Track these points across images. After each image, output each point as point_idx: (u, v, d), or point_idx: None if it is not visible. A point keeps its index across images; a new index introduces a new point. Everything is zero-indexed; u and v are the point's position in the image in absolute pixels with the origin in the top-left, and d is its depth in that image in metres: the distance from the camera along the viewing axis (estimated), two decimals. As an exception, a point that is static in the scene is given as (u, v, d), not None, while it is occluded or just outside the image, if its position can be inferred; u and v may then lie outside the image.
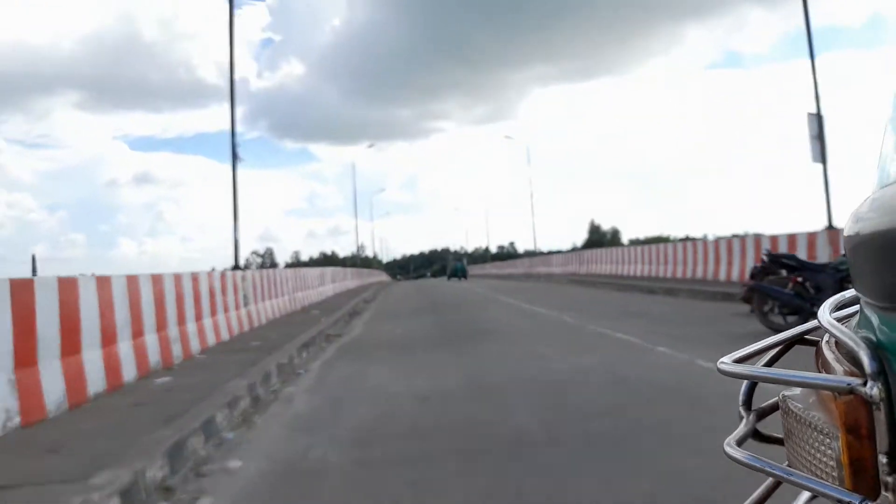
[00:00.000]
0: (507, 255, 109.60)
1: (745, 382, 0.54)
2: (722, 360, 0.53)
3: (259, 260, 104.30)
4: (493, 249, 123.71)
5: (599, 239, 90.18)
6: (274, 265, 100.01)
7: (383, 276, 61.00)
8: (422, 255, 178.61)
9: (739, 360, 0.53)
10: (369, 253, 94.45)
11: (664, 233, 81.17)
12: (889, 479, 0.43)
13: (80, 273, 6.15)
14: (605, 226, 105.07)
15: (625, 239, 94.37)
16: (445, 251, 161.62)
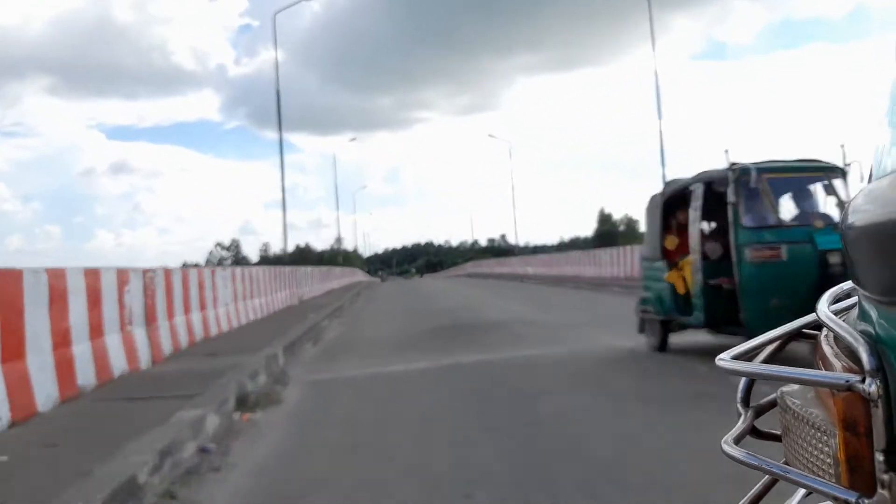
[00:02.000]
0: (498, 249, 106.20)
1: (742, 379, 0.54)
2: (720, 356, 0.52)
3: (224, 254, 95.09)
4: (483, 243, 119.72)
5: (611, 230, 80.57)
6: (241, 260, 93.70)
7: (361, 276, 50.77)
8: (405, 248, 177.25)
9: (738, 357, 0.53)
10: (349, 246, 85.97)
11: None
12: (886, 477, 0.42)
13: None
14: (617, 214, 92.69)
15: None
16: (429, 245, 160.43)
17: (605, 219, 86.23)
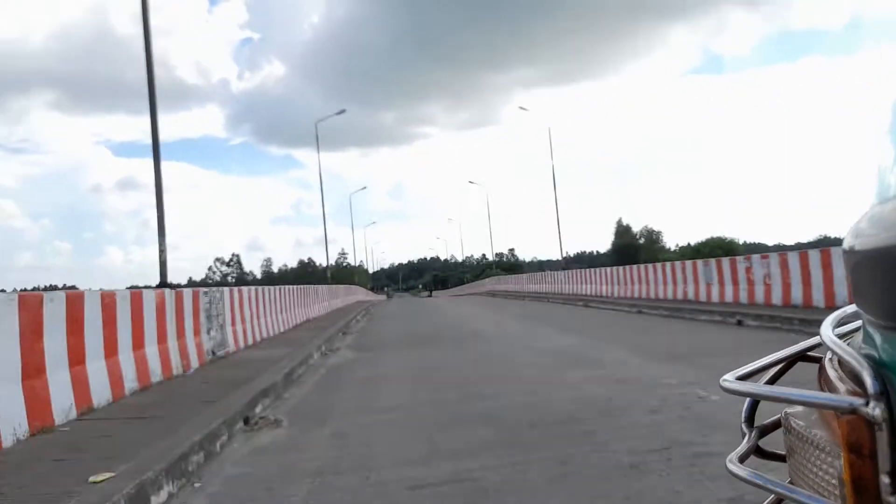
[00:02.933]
0: (507, 264, 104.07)
1: (747, 400, 0.54)
2: (724, 377, 0.53)
3: (225, 269, 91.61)
4: (491, 257, 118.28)
5: (630, 243, 74.14)
6: (242, 276, 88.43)
7: (363, 295, 44.68)
8: (410, 263, 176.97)
9: (743, 378, 0.53)
10: (354, 261, 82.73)
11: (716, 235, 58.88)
12: (892, 500, 0.43)
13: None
14: (636, 225, 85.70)
15: (668, 244, 78.15)
16: (435, 260, 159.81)
17: (623, 231, 78.45)
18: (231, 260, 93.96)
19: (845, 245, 0.51)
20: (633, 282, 19.62)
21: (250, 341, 10.42)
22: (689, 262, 16.05)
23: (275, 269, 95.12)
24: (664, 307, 13.60)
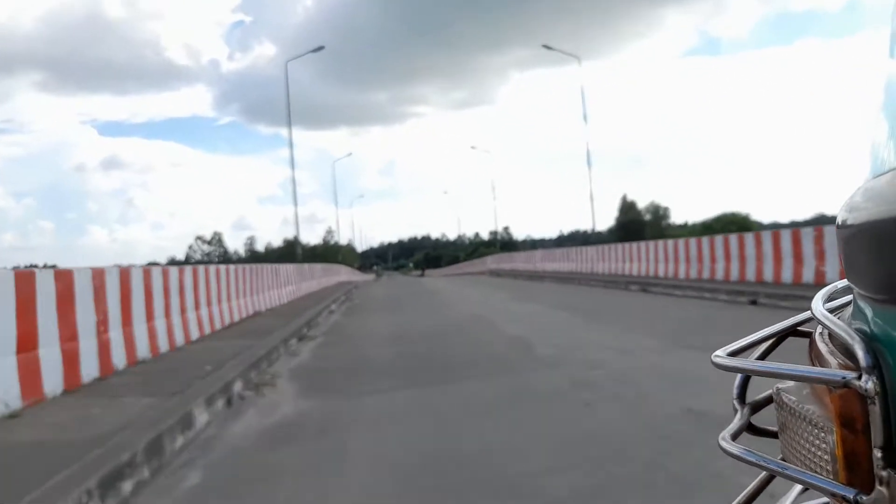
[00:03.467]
0: (501, 243, 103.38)
1: (738, 376, 0.54)
2: (716, 353, 0.52)
3: (206, 248, 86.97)
4: (485, 236, 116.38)
5: (635, 220, 70.63)
6: (226, 256, 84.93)
7: (346, 275, 39.17)
8: (401, 242, 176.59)
9: (733, 353, 0.53)
10: (342, 240, 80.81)
11: (728, 211, 56.15)
12: (883, 474, 0.43)
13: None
14: (642, 201, 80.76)
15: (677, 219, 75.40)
16: (426, 239, 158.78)
17: (628, 207, 74.55)
18: (213, 238, 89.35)
19: (838, 220, 0.51)
20: (695, 259, 15.42)
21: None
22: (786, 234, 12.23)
23: (260, 247, 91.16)
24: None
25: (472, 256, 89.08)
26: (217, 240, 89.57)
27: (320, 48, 35.61)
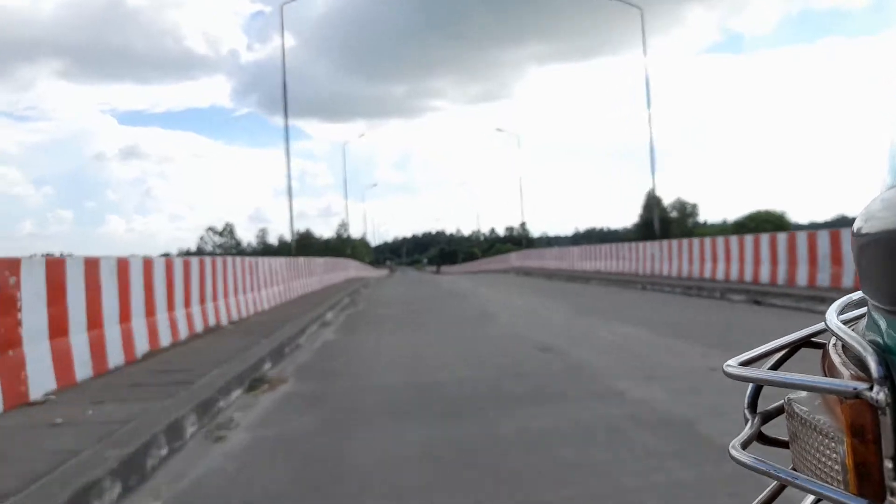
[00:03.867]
0: (517, 239, 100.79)
1: (750, 385, 0.54)
2: (728, 362, 0.53)
3: (217, 239, 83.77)
4: (500, 232, 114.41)
5: (661, 217, 60.67)
6: (238, 248, 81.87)
7: (356, 270, 36.02)
8: (415, 237, 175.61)
9: (746, 363, 0.53)
10: (356, 234, 78.35)
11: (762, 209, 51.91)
12: (895, 485, 0.43)
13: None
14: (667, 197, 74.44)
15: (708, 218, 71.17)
16: (440, 234, 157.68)
17: (653, 203, 70.79)
18: (224, 229, 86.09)
19: (854, 227, 0.50)
20: (805, 261, 12.16)
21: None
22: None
23: (272, 239, 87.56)
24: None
25: (488, 253, 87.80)
26: (229, 231, 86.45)
27: None
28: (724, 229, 52.18)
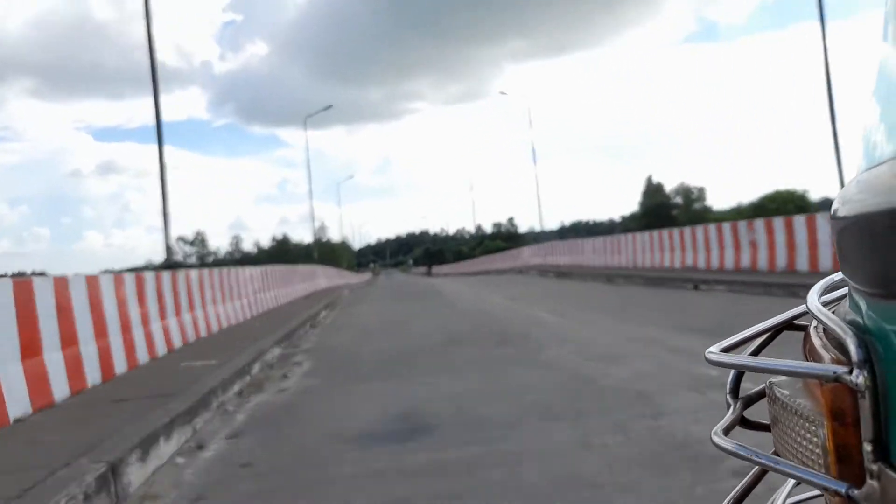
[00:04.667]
0: (506, 234, 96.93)
1: (731, 371, 0.54)
2: (710, 349, 0.53)
3: (188, 249, 78.79)
4: (488, 228, 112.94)
5: (663, 203, 60.20)
6: (209, 256, 77.10)
7: (327, 279, 26.70)
8: (398, 238, 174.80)
9: (727, 349, 0.53)
10: (336, 237, 73.63)
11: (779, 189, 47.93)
12: (874, 467, 0.43)
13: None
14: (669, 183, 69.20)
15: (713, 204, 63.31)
16: (424, 234, 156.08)
17: (654, 190, 63.20)
18: (195, 238, 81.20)
19: (832, 211, 0.50)
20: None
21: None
22: None
23: (248, 246, 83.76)
24: None
25: (476, 250, 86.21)
26: (200, 239, 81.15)
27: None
28: (740, 213, 46.46)
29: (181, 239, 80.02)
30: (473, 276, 37.54)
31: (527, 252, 36.54)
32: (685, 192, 63.84)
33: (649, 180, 64.72)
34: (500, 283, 22.33)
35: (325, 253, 55.28)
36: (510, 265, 37.60)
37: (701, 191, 64.30)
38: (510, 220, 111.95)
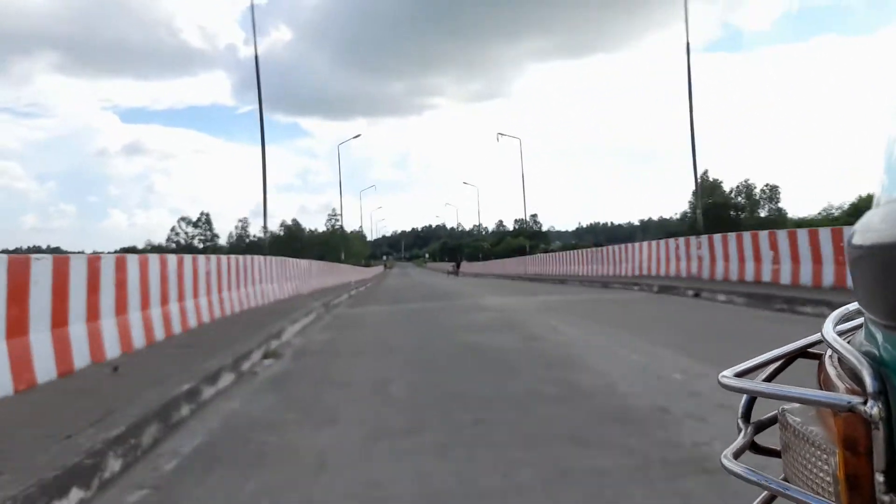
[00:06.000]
0: (531, 233, 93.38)
1: (744, 396, 0.54)
2: (723, 373, 0.53)
3: (191, 231, 72.99)
4: (510, 226, 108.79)
5: (721, 204, 48.03)
6: (214, 242, 72.51)
7: (318, 278, 19.56)
8: (414, 231, 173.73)
9: (741, 374, 0.53)
10: (351, 227, 69.47)
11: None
12: (886, 498, 0.43)
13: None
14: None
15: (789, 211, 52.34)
16: (440, 228, 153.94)
17: (711, 188, 50.88)
18: (199, 219, 74.33)
19: (850, 239, 0.50)
20: None
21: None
22: None
23: (255, 230, 76.43)
24: None
25: (497, 247, 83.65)
26: (205, 220, 73.78)
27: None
28: (835, 219, 37.07)
29: (184, 219, 74.63)
30: (528, 281, 25.75)
31: (632, 250, 20.33)
32: (746, 190, 51.85)
33: (704, 175, 51.13)
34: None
35: (336, 243, 52.60)
36: (577, 272, 24.74)
37: (773, 190, 49.99)
38: (533, 216, 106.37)
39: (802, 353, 0.56)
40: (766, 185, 51.24)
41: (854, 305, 0.55)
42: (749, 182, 51.83)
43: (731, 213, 48.81)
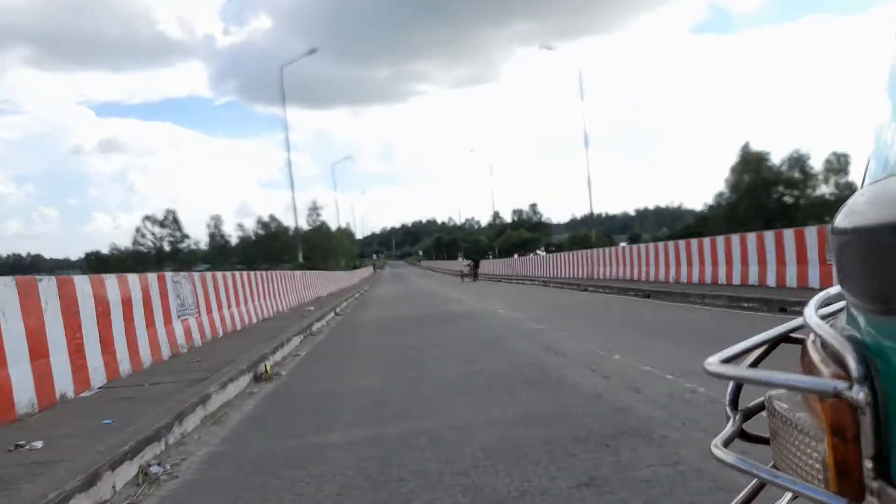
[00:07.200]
0: (530, 224, 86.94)
1: (731, 383, 0.54)
2: (708, 360, 0.52)
3: (158, 231, 73.55)
4: (508, 217, 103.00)
5: (765, 180, 37.32)
6: (187, 243, 70.90)
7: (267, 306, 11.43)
8: (405, 227, 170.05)
9: (726, 361, 0.52)
10: (337, 224, 59.77)
11: None
12: (874, 485, 0.42)
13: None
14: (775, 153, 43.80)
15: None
16: (431, 223, 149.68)
17: (753, 161, 38.56)
18: (166, 218, 72.25)
19: (837, 222, 0.49)
20: None
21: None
22: None
23: (229, 229, 68.74)
24: None
25: (497, 240, 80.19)
26: (171, 219, 70.94)
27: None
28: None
29: (149, 218, 65.44)
30: (636, 295, 13.31)
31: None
32: (797, 159, 38.45)
33: (745, 147, 40.14)
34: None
35: (322, 242, 47.95)
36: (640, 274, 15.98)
37: (841, 159, 37.24)
38: (533, 206, 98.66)
39: (785, 337, 0.55)
40: (833, 154, 38.16)
41: (835, 289, 0.55)
42: (801, 153, 38.99)
43: (780, 192, 37.66)
